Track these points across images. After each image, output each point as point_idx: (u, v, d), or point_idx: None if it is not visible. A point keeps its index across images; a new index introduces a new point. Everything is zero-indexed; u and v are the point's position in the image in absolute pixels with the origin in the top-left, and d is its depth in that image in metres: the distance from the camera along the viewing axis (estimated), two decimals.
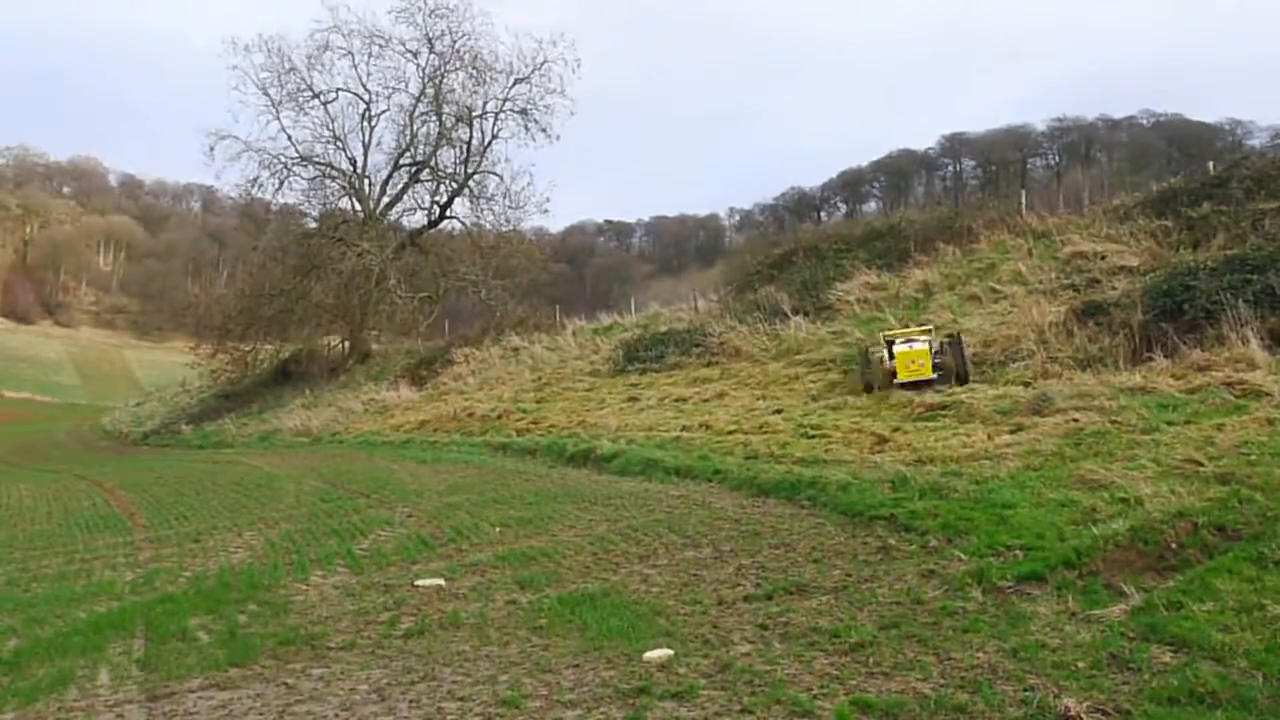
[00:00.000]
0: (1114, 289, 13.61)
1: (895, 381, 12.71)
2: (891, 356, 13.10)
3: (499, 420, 18.56)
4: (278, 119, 35.77)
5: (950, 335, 13.39)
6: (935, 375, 12.57)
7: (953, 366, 12.62)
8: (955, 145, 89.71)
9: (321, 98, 35.97)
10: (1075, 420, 9.07)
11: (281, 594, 7.11)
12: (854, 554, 6.75)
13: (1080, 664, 4.40)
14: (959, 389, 11.97)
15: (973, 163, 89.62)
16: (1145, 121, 79.22)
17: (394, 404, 25.32)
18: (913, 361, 12.66)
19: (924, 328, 14.27)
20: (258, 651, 5.66)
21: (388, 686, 4.89)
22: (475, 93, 36.15)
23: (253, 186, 36.06)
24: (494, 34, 52.87)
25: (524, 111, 35.80)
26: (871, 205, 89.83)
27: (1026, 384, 11.20)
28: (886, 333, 14.41)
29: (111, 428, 42.05)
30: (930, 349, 12.84)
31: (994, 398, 10.87)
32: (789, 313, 18.88)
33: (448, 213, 37.85)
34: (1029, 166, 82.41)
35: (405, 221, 38.67)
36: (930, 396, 11.78)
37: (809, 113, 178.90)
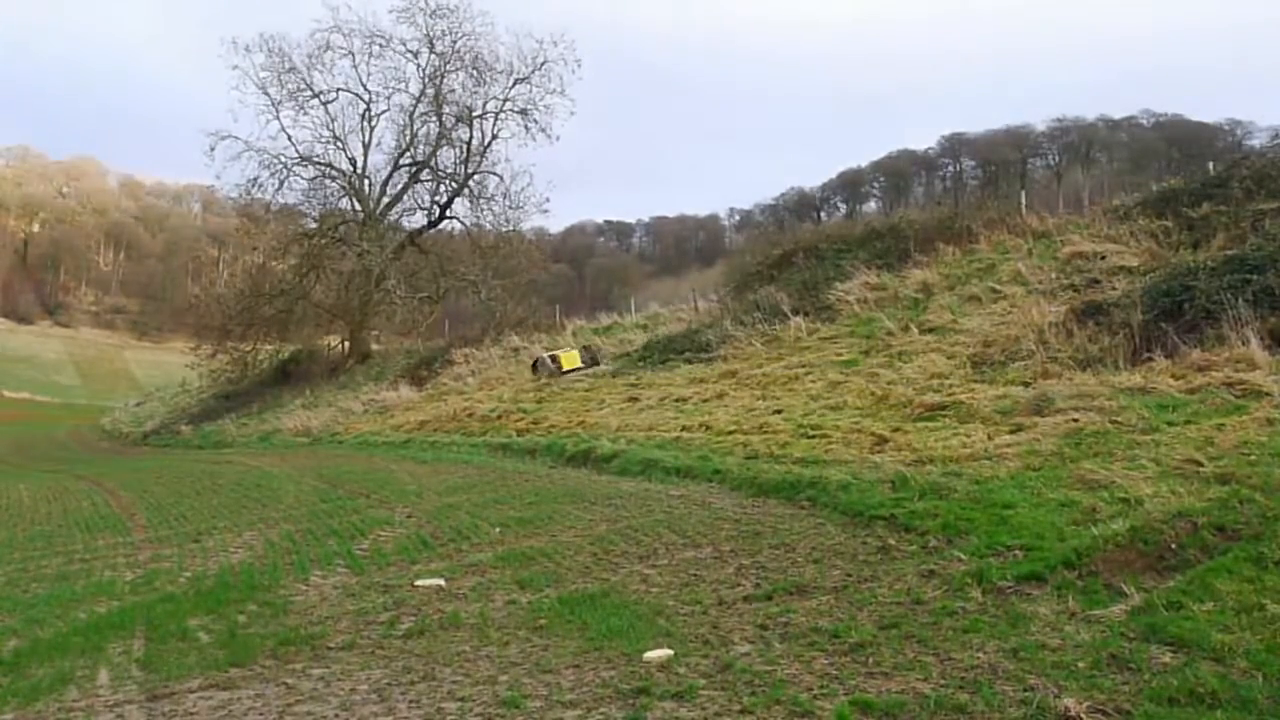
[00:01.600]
0: (1114, 289, 13.60)
1: (563, 370, 21.49)
2: (556, 360, 22.05)
3: (499, 420, 18.56)
4: (278, 119, 35.95)
5: (586, 346, 23.77)
6: (583, 364, 21.75)
7: (591, 360, 22.03)
8: (955, 145, 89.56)
9: (321, 98, 36.12)
10: (1075, 420, 9.05)
11: (281, 594, 7.11)
12: (854, 554, 6.75)
13: (1080, 664, 4.40)
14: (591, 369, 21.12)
15: (973, 163, 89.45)
16: (1145, 121, 79.09)
17: (394, 404, 25.33)
18: (570, 360, 21.91)
19: (566, 347, 24.01)
20: (258, 651, 5.66)
21: (388, 686, 4.89)
22: (475, 93, 36.32)
23: (253, 187, 36.20)
24: (494, 34, 52.85)
25: (524, 111, 35.95)
26: (871, 205, 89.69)
27: (1026, 384, 11.18)
28: (549, 352, 23.32)
29: (111, 428, 42.09)
30: (579, 353, 22.50)
31: (994, 398, 10.85)
32: (789, 313, 18.89)
33: (448, 213, 37.98)
34: (1029, 166, 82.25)
35: (405, 221, 38.83)
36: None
37: (809, 112, 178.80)
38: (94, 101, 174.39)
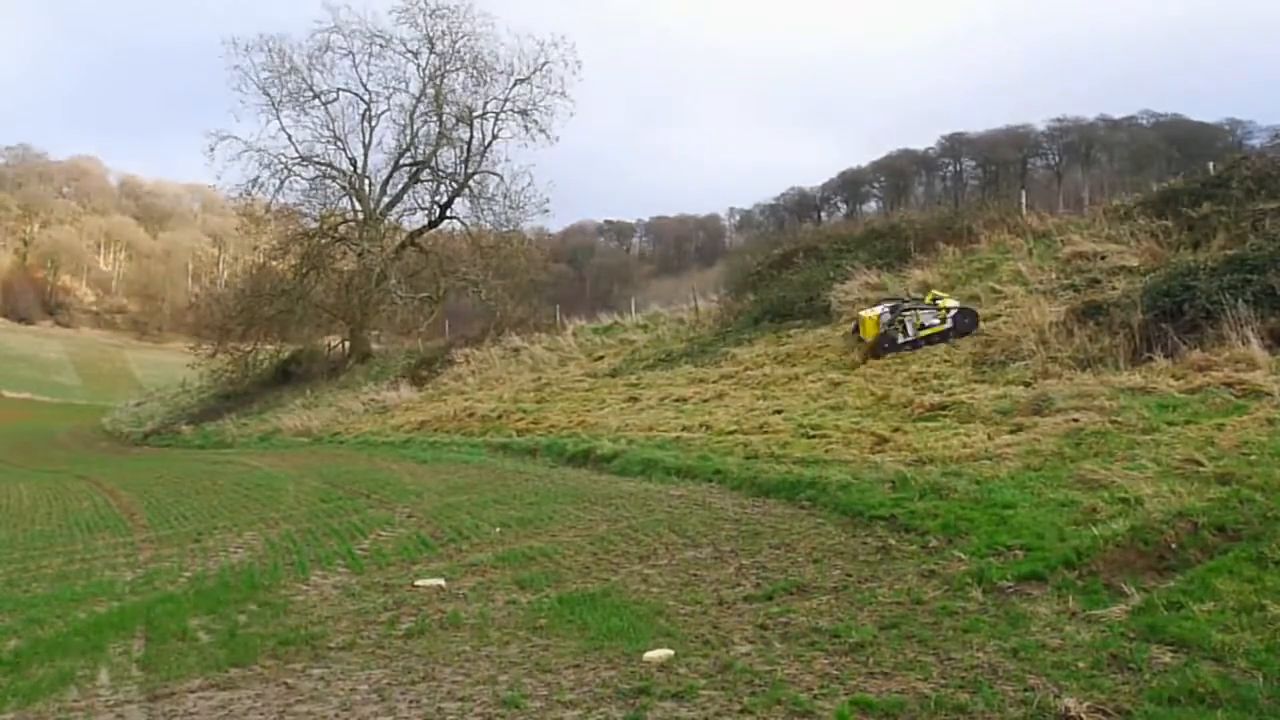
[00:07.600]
0: (1114, 289, 13.61)
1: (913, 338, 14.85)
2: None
3: (499, 420, 18.56)
4: (278, 119, 35.88)
5: (937, 298, 15.60)
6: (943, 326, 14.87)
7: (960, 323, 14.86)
8: (955, 145, 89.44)
9: (322, 98, 36.07)
10: (1075, 420, 9.05)
11: (281, 594, 7.11)
12: (854, 554, 6.75)
13: (1080, 664, 4.40)
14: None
15: (973, 163, 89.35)
16: (1145, 121, 78.96)
17: (394, 404, 25.33)
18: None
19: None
20: (258, 651, 5.66)
21: (388, 686, 4.89)
22: (475, 93, 36.28)
23: (253, 187, 36.13)
24: (495, 35, 52.67)
25: (524, 112, 35.89)
26: (871, 205, 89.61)
27: (1026, 384, 11.19)
28: (887, 301, 16.32)
29: (111, 428, 42.02)
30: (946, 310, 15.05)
31: (994, 398, 10.86)
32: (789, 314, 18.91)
33: (448, 213, 37.91)
34: (1029, 166, 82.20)
35: (405, 221, 38.79)
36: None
37: (811, 111, 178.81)
38: (94, 101, 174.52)
